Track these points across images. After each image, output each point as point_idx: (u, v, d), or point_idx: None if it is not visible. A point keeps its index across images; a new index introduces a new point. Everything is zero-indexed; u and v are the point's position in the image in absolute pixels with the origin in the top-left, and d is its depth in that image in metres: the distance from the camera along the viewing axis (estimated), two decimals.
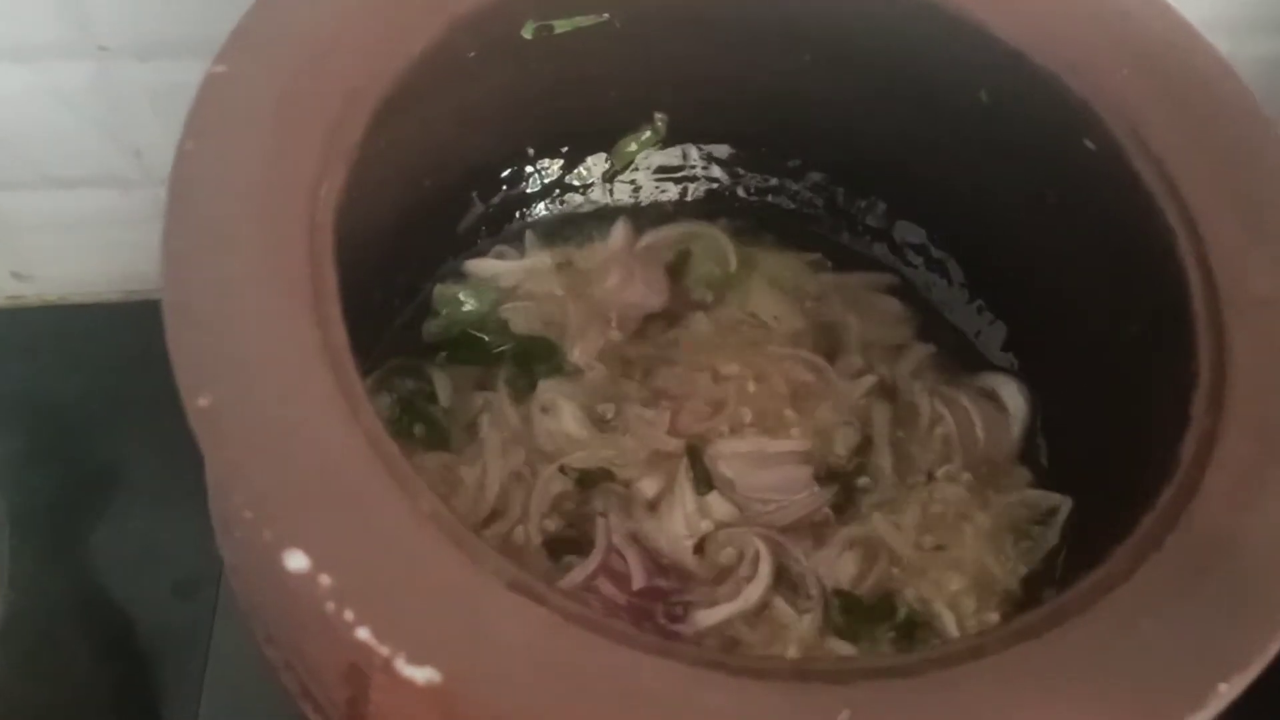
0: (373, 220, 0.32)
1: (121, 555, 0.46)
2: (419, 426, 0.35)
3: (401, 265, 0.37)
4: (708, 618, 0.32)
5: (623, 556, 0.33)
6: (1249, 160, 0.28)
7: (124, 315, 0.52)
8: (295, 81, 0.25)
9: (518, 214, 0.40)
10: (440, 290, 0.38)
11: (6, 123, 0.45)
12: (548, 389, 0.36)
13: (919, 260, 0.40)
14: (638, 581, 0.33)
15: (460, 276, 0.38)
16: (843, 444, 0.36)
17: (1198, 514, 0.23)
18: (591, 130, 0.39)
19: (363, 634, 0.19)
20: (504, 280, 0.38)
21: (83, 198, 0.49)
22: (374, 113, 0.26)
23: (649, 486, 0.34)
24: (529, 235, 0.40)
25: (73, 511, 0.47)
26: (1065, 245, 0.34)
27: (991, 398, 0.37)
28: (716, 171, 0.41)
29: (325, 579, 0.20)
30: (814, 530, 0.35)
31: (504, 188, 0.39)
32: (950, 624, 0.33)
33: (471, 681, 0.20)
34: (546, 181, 0.40)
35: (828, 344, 0.38)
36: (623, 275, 0.39)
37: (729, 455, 0.35)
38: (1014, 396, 0.37)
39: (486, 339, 0.37)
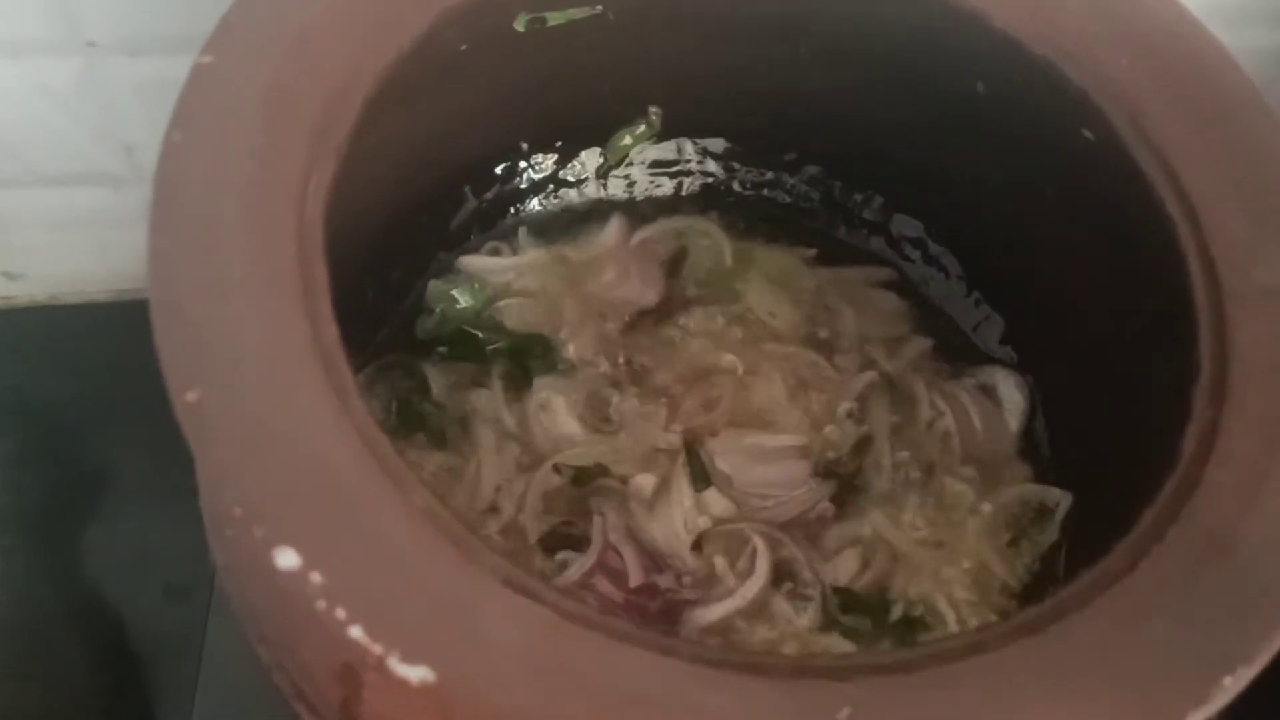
0: (364, 216, 0.31)
1: (113, 557, 0.45)
2: (413, 424, 0.35)
3: (394, 262, 0.36)
4: (705, 615, 0.32)
5: (619, 554, 0.33)
6: (1251, 150, 0.28)
7: (115, 315, 0.52)
8: (284, 73, 0.25)
9: (511, 210, 0.40)
10: (434, 287, 0.37)
11: None
12: (543, 386, 0.35)
13: (916, 254, 0.40)
14: (635, 579, 0.32)
15: (454, 273, 0.38)
16: (841, 439, 0.36)
17: (1200, 508, 0.23)
18: (585, 124, 0.39)
19: (355, 633, 0.19)
20: (498, 276, 0.38)
21: (73, 196, 0.48)
22: (364, 106, 0.26)
23: (646, 483, 0.34)
24: (523, 231, 0.39)
25: (64, 513, 0.47)
26: (1064, 237, 0.34)
27: (990, 392, 0.37)
28: (711, 166, 0.41)
29: (316, 577, 0.19)
30: (812, 526, 0.34)
31: (497, 183, 0.39)
32: (950, 620, 0.33)
33: (466, 681, 0.20)
34: (540, 176, 0.40)
35: (825, 339, 0.38)
36: (618, 271, 0.38)
37: (726, 451, 0.35)
38: (1012, 391, 0.37)
39: (481, 336, 0.36)
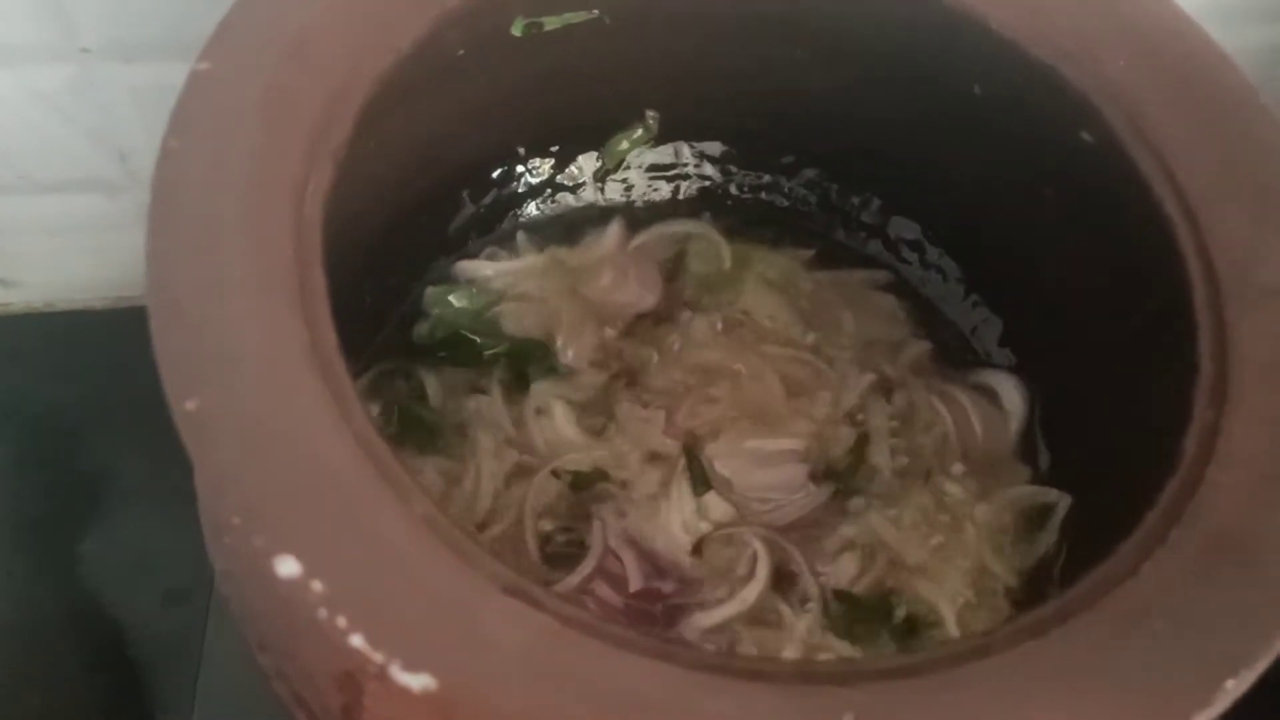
0: (362, 221, 0.31)
1: (112, 561, 0.45)
2: (412, 429, 0.35)
3: (392, 267, 0.36)
4: (706, 619, 0.32)
5: (619, 559, 0.33)
6: (1249, 150, 0.28)
7: (112, 321, 0.52)
8: (281, 78, 0.25)
9: (509, 214, 0.40)
10: (431, 292, 0.37)
11: None
12: (541, 390, 0.35)
13: (914, 256, 0.40)
14: (635, 584, 0.32)
15: (451, 278, 0.38)
16: (840, 442, 0.36)
17: (1202, 509, 0.23)
18: (583, 128, 0.39)
19: (356, 641, 0.19)
20: (496, 281, 0.38)
21: (69, 202, 0.48)
22: (361, 110, 0.26)
23: (645, 487, 0.34)
24: (521, 235, 0.39)
25: (63, 518, 0.46)
26: (1063, 238, 0.34)
27: (989, 394, 0.37)
28: (709, 169, 0.41)
29: (317, 585, 0.19)
30: (812, 529, 0.34)
31: (495, 187, 0.39)
32: (949, 621, 0.33)
33: (468, 688, 0.19)
34: (537, 181, 0.40)
35: (824, 342, 0.38)
36: (616, 275, 0.38)
37: (726, 455, 0.35)
38: (1011, 393, 0.37)
39: (479, 340, 0.36)
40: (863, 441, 0.36)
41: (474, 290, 0.38)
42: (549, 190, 0.40)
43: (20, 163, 0.46)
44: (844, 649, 0.32)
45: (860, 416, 0.36)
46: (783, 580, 0.33)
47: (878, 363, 0.38)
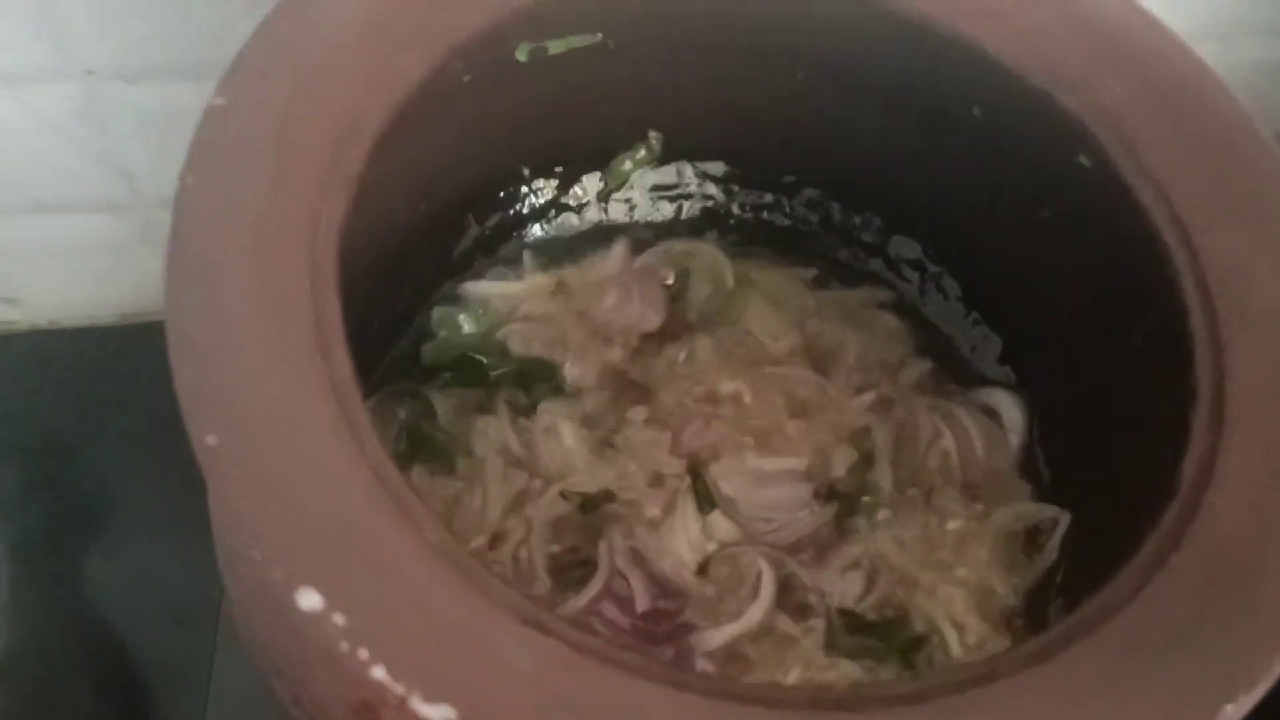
0: (370, 246, 0.31)
1: (116, 584, 0.45)
2: (421, 450, 0.35)
3: (399, 290, 0.37)
4: (712, 638, 0.32)
5: (626, 579, 0.33)
6: (1243, 175, 0.29)
7: (116, 340, 0.52)
8: (294, 113, 0.25)
9: (514, 235, 0.40)
10: (438, 313, 0.38)
11: None
12: (548, 411, 0.36)
13: (914, 275, 0.40)
14: (642, 604, 0.33)
15: (458, 299, 0.38)
16: (843, 461, 0.36)
17: (1202, 533, 0.24)
18: (586, 149, 0.39)
19: (378, 673, 0.19)
20: (501, 302, 0.38)
21: (73, 222, 0.49)
22: (373, 143, 0.26)
23: (651, 508, 0.34)
24: (526, 256, 0.39)
25: (66, 539, 0.47)
26: (1060, 259, 0.34)
27: (989, 412, 0.38)
28: (711, 189, 0.41)
29: (339, 618, 0.20)
30: (817, 548, 0.35)
31: (500, 209, 0.39)
32: (952, 640, 0.33)
33: (487, 717, 0.20)
34: (542, 202, 0.40)
35: (826, 361, 0.38)
36: (620, 295, 0.39)
37: (730, 474, 0.35)
38: (1011, 410, 0.37)
39: (485, 361, 0.37)
40: (865, 460, 0.36)
41: (480, 311, 0.38)
42: (553, 211, 0.40)
43: (25, 183, 0.47)
44: (849, 667, 0.32)
45: (862, 435, 0.37)
46: (788, 599, 0.33)
47: (879, 381, 0.38)
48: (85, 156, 0.46)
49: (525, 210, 0.40)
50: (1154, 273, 0.29)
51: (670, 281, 0.40)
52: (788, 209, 0.41)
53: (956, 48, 0.32)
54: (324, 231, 0.25)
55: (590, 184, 0.40)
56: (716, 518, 0.35)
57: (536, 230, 0.40)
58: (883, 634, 0.33)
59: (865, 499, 0.36)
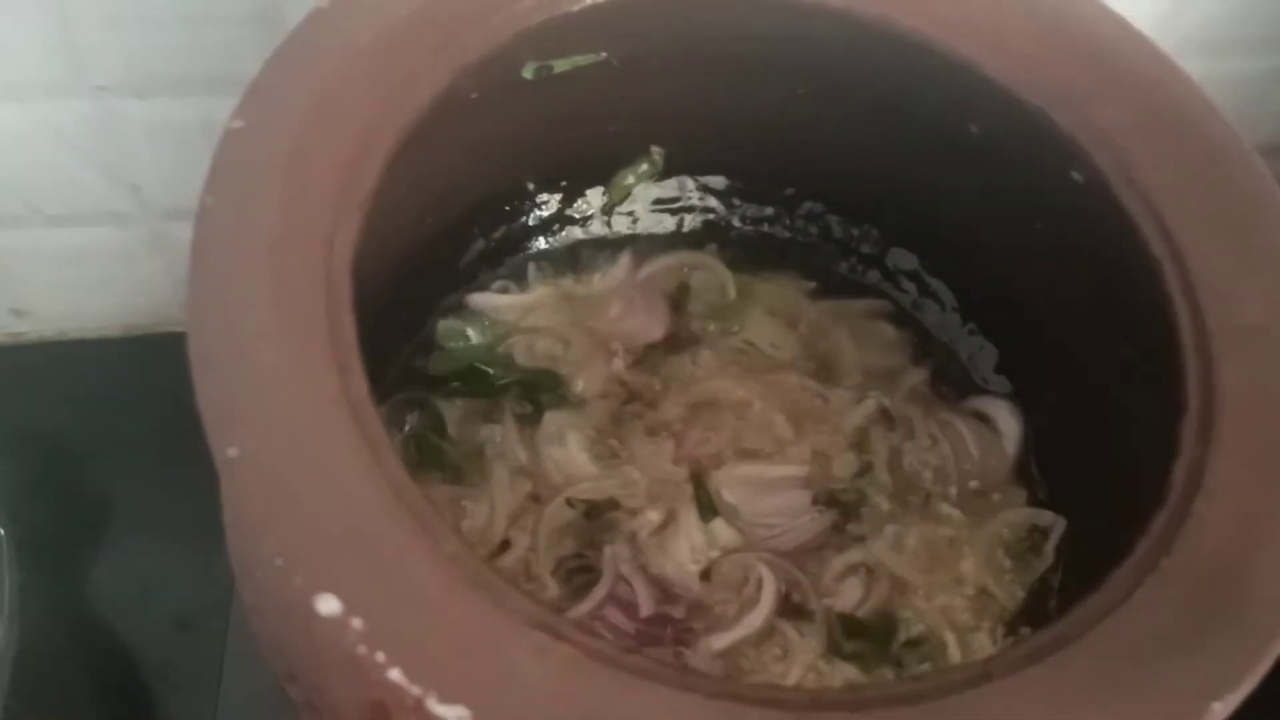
0: (380, 260, 0.32)
1: (122, 589, 0.46)
2: (431, 459, 0.36)
3: (406, 302, 0.37)
4: (715, 643, 0.33)
5: (630, 585, 0.34)
6: (1232, 194, 0.29)
7: (121, 350, 0.53)
8: (310, 135, 0.26)
9: (519, 248, 0.41)
10: (445, 325, 0.38)
11: (4, 162, 0.46)
12: (553, 420, 0.36)
13: (912, 286, 0.41)
14: (645, 609, 0.33)
15: (464, 311, 0.39)
16: (842, 468, 0.37)
17: (1190, 540, 0.24)
18: (590, 164, 0.40)
19: (394, 675, 0.20)
20: (507, 314, 0.39)
21: (80, 235, 0.49)
22: (385, 162, 0.27)
23: (655, 515, 0.35)
24: (531, 268, 0.40)
25: (73, 546, 0.47)
26: (1054, 273, 0.35)
27: (985, 420, 0.38)
28: (713, 202, 0.42)
29: (357, 623, 0.20)
30: (816, 554, 0.35)
31: (505, 222, 0.40)
32: (950, 643, 0.34)
33: (499, 718, 0.20)
34: (546, 215, 0.41)
35: (825, 370, 0.39)
36: (624, 306, 0.39)
37: (732, 482, 0.36)
38: (1007, 419, 0.38)
39: (492, 372, 0.37)
40: (864, 468, 0.37)
41: (486, 323, 0.39)
42: (557, 224, 0.41)
43: (33, 196, 0.47)
44: (848, 671, 0.33)
45: (861, 443, 0.38)
46: (788, 604, 0.34)
47: (878, 390, 0.39)
48: (93, 170, 0.47)
49: (530, 223, 0.41)
50: (1145, 288, 0.29)
51: (673, 293, 0.40)
52: (788, 222, 0.42)
53: (954, 68, 0.32)
54: (339, 250, 0.26)
55: (594, 198, 0.41)
56: (718, 524, 0.35)
57: (541, 243, 0.41)
58: (881, 638, 0.34)
59: (864, 506, 0.36)
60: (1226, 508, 0.25)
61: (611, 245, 0.41)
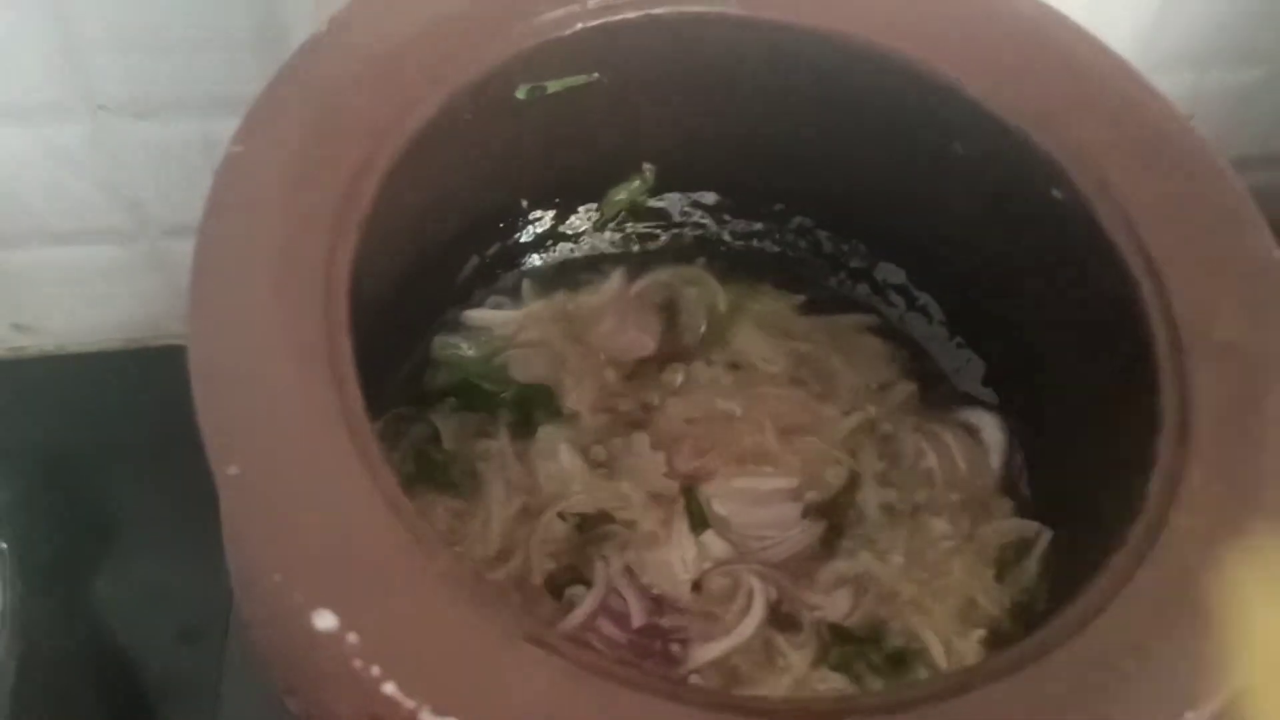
0: (377, 278, 0.33)
1: (124, 602, 0.46)
2: (429, 473, 0.36)
3: (402, 318, 0.38)
4: (706, 653, 0.34)
5: (622, 596, 0.34)
6: (1206, 212, 0.30)
7: (123, 364, 0.53)
8: (308, 158, 0.27)
9: (513, 264, 0.41)
10: (440, 341, 0.39)
11: (7, 180, 0.46)
12: (547, 434, 0.37)
13: (900, 300, 0.42)
14: (637, 620, 0.34)
15: (459, 327, 0.40)
16: (832, 481, 0.38)
17: (1166, 551, 0.25)
18: (582, 181, 0.41)
19: (389, 689, 0.21)
20: (502, 329, 0.40)
21: (82, 251, 0.50)
22: (381, 184, 0.28)
23: (647, 527, 0.36)
24: (526, 284, 0.41)
25: (75, 559, 0.48)
26: (1036, 288, 0.36)
27: (973, 432, 0.39)
28: (703, 218, 0.43)
29: (353, 637, 0.21)
30: (806, 565, 0.36)
31: (499, 239, 0.41)
32: (938, 654, 0.35)
33: None
34: (540, 231, 0.41)
35: (815, 384, 0.40)
36: (616, 321, 0.40)
37: (723, 495, 0.37)
38: (994, 431, 0.39)
39: (487, 387, 0.38)
40: (853, 480, 0.38)
41: (481, 339, 0.39)
42: (551, 240, 0.42)
43: (36, 214, 0.48)
44: (837, 681, 0.34)
45: (851, 455, 0.38)
46: (778, 615, 0.35)
47: (866, 403, 0.39)
48: (94, 187, 0.47)
49: (525, 240, 0.41)
50: (1123, 303, 0.30)
51: (664, 307, 0.41)
52: (777, 237, 0.43)
53: (936, 89, 0.33)
54: (337, 270, 0.26)
55: (587, 214, 0.42)
56: (710, 536, 0.36)
57: (535, 259, 0.42)
58: (870, 648, 0.34)
59: (854, 517, 0.37)
60: (1201, 519, 0.25)
61: (604, 261, 0.42)
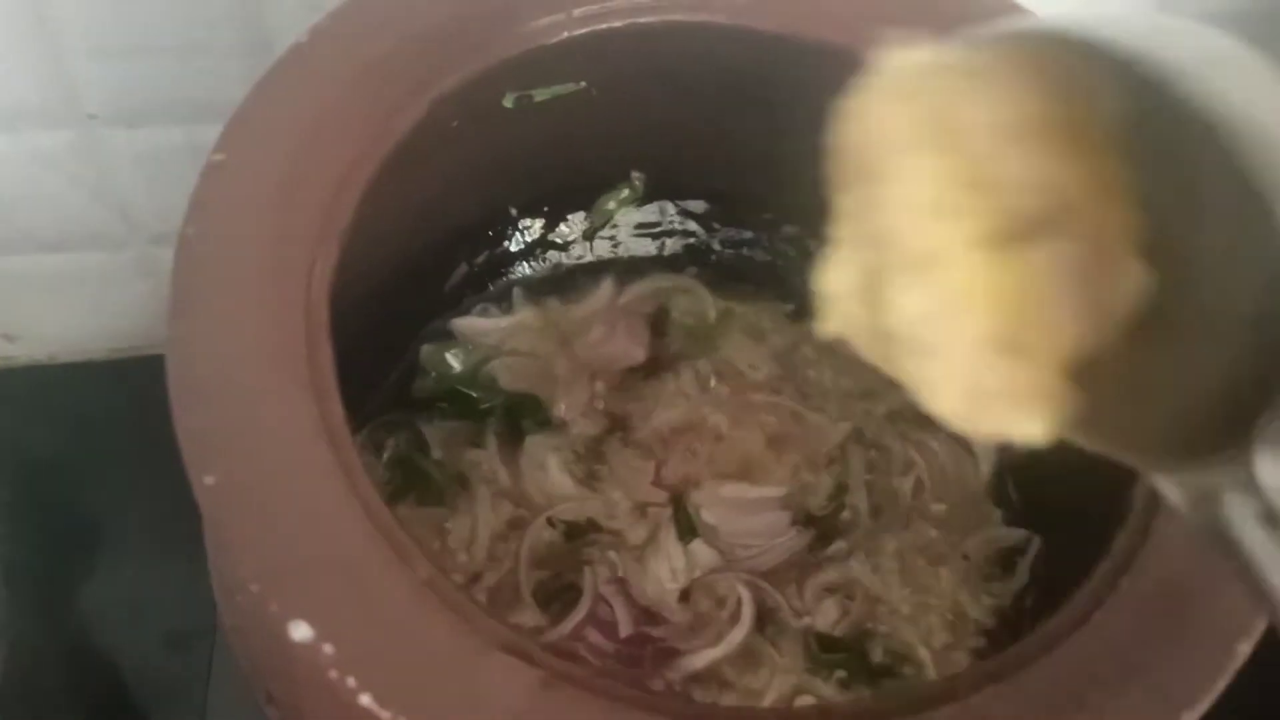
0: (362, 286, 0.33)
1: (111, 609, 0.46)
2: (415, 481, 0.36)
3: (391, 325, 0.38)
4: (694, 662, 0.34)
5: (610, 605, 0.34)
6: None
7: (111, 372, 0.53)
8: (290, 166, 0.27)
9: (502, 272, 0.41)
10: (428, 349, 0.39)
11: None
12: (535, 443, 0.37)
13: None
14: (625, 629, 0.34)
15: (448, 335, 0.40)
16: (820, 489, 0.37)
17: (1150, 559, 0.25)
18: (572, 189, 0.41)
19: (365, 700, 0.21)
20: (490, 338, 0.40)
21: (70, 259, 0.50)
22: (365, 190, 0.28)
23: (635, 536, 0.36)
24: (516, 292, 0.41)
25: (63, 567, 0.47)
26: None
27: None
28: (693, 226, 0.43)
29: (328, 648, 0.21)
30: (794, 573, 0.36)
31: (488, 247, 0.41)
32: (926, 661, 0.35)
33: None
34: (529, 240, 0.41)
35: (804, 391, 0.40)
36: (605, 329, 0.40)
37: (712, 503, 0.36)
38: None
39: (475, 395, 0.38)
40: (841, 488, 0.38)
41: (469, 347, 0.39)
42: (540, 249, 0.42)
43: (24, 223, 0.48)
44: (826, 690, 0.33)
45: (839, 464, 0.38)
46: (766, 624, 0.35)
47: (854, 411, 0.39)
48: (82, 196, 0.47)
49: (514, 248, 0.41)
50: None
51: (654, 316, 0.41)
52: (767, 244, 0.43)
53: None
54: (317, 279, 0.26)
55: (576, 222, 0.42)
56: (698, 545, 0.36)
57: (524, 268, 0.42)
58: (858, 656, 0.34)
59: (842, 525, 0.37)
60: (1184, 527, 0.25)
61: (593, 269, 0.42)
